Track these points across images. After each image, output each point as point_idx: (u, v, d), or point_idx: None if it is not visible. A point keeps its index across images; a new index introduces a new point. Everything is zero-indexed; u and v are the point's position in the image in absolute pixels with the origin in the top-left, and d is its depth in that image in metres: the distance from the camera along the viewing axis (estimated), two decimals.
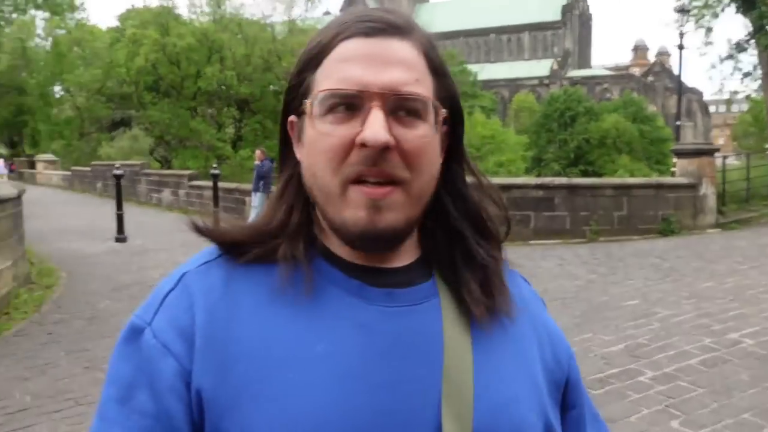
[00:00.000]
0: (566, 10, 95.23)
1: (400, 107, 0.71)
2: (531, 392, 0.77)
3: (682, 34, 23.86)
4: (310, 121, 0.73)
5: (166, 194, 20.60)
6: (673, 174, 13.67)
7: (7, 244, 7.53)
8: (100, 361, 5.36)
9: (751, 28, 20.51)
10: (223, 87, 32.41)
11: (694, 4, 22.61)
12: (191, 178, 19.47)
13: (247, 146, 30.89)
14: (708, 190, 12.47)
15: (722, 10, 22.41)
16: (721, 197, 13.31)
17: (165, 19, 32.35)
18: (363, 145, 0.69)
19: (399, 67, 0.71)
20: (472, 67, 74.74)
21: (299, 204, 0.77)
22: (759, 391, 4.27)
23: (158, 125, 31.30)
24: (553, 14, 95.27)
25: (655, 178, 13.88)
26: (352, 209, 0.71)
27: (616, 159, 50.66)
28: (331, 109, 0.71)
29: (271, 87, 34.52)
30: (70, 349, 5.72)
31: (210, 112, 33.48)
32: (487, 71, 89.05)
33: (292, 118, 0.78)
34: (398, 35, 0.73)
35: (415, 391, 0.70)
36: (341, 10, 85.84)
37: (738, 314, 6.00)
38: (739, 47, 21.92)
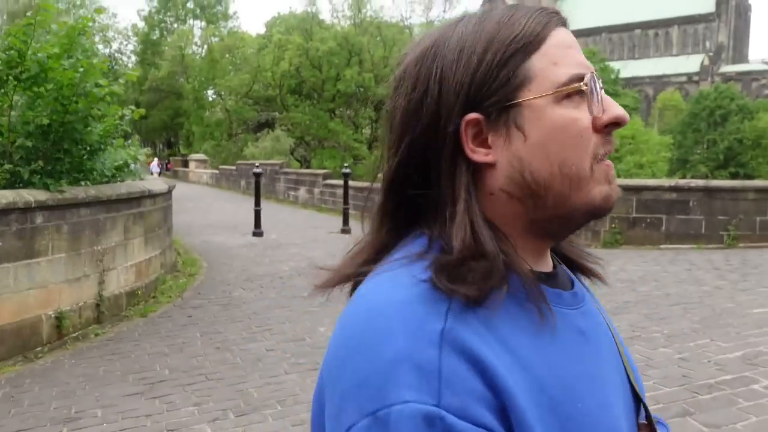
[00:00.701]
0: (721, 1, 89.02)
1: None
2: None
3: None
4: (552, 107, 0.71)
5: (302, 192, 21.61)
6: None
7: (156, 234, 8.38)
8: (230, 342, 5.90)
9: None
10: (361, 89, 33.42)
11: None
12: (326, 177, 20.31)
13: (383, 146, 31.45)
14: None
15: None
16: None
17: (309, 24, 33.86)
18: (611, 124, 0.72)
19: None
20: (614, 65, 71.84)
21: (485, 223, 0.71)
22: None
23: (299, 126, 32.82)
24: (706, 6, 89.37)
25: None
26: (600, 185, 0.73)
27: None
28: (567, 95, 0.71)
29: None
30: (205, 331, 6.32)
31: (348, 113, 34.60)
32: (630, 68, 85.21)
33: (473, 116, 0.71)
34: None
35: (625, 386, 0.80)
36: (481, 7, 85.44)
37: None
38: None
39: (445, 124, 0.71)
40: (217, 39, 47.61)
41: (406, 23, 35.73)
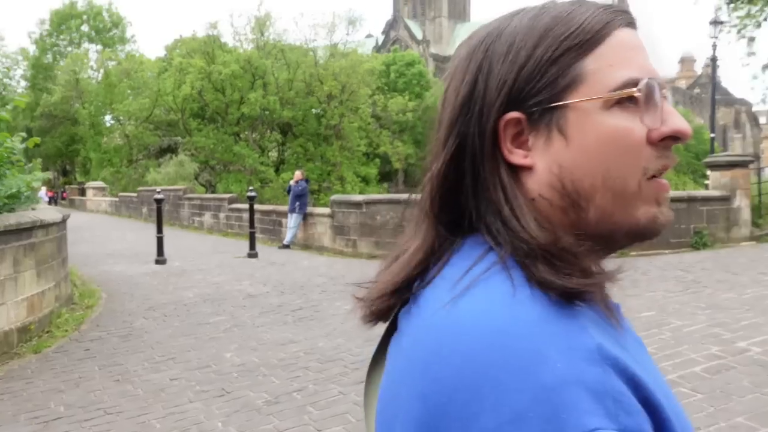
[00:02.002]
0: None
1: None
2: None
3: (715, 46, 23.63)
4: (600, 113, 0.65)
5: (207, 218, 21.17)
6: (706, 187, 13.54)
7: (50, 266, 8.00)
8: (130, 374, 5.69)
9: None
10: (266, 112, 33.23)
11: (736, 14, 22.36)
12: (231, 201, 20.00)
13: (289, 169, 31.46)
14: (742, 203, 12.33)
15: (764, 19, 22.14)
16: (757, 209, 13.12)
17: (210, 47, 33.38)
18: (671, 138, 0.66)
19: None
20: None
21: (543, 220, 0.66)
22: (757, 396, 4.33)
23: (203, 151, 32.22)
24: None
25: (686, 191, 13.71)
26: (650, 205, 0.67)
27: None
28: (620, 101, 0.65)
29: (314, 110, 35.30)
30: (104, 364, 6.07)
31: (253, 136, 34.29)
32: None
33: (513, 114, 0.67)
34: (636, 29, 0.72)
35: None
36: (383, 32, 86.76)
37: (750, 323, 6.01)
38: None
39: (486, 121, 0.68)
40: (114, 63, 46.20)
41: (309, 46, 35.83)
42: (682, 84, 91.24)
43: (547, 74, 0.66)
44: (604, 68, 0.66)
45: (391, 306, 0.72)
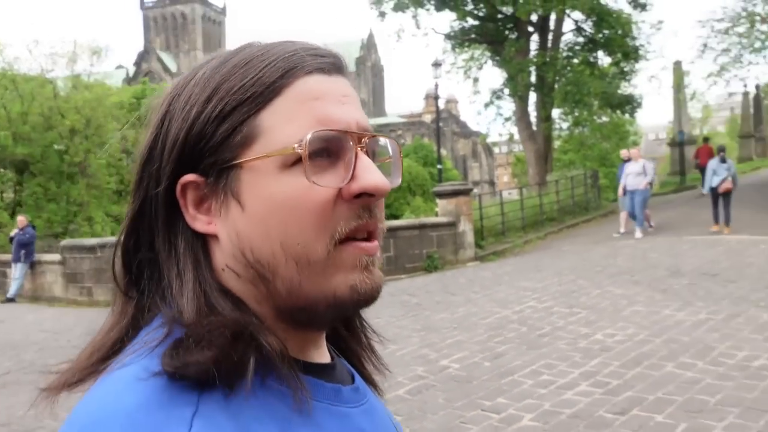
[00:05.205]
0: (359, 62, 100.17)
1: (371, 150, 0.64)
2: None
3: (437, 85, 26.17)
4: (275, 172, 0.59)
5: None
6: (436, 214, 14.71)
7: None
8: None
9: (506, 77, 22.99)
10: None
11: (461, 57, 24.86)
12: None
13: (29, 211, 28.59)
14: (466, 227, 13.57)
15: (485, 61, 24.92)
16: (480, 232, 14.54)
17: None
18: (361, 195, 0.60)
19: (358, 106, 0.64)
20: None
21: (221, 294, 0.61)
22: (448, 412, 4.70)
23: None
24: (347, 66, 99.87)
25: (418, 219, 14.82)
26: (345, 272, 0.60)
27: (411, 201, 53.44)
28: (300, 160, 0.59)
29: (55, 146, 32.47)
30: None
31: None
32: None
33: (189, 177, 0.61)
34: (344, 73, 0.66)
35: None
36: (135, 63, 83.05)
37: (455, 341, 6.56)
38: (497, 95, 24.40)
39: (159, 183, 0.61)
40: None
41: (48, 76, 33.07)
42: (427, 118, 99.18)
43: (217, 132, 0.60)
44: (282, 124, 0.60)
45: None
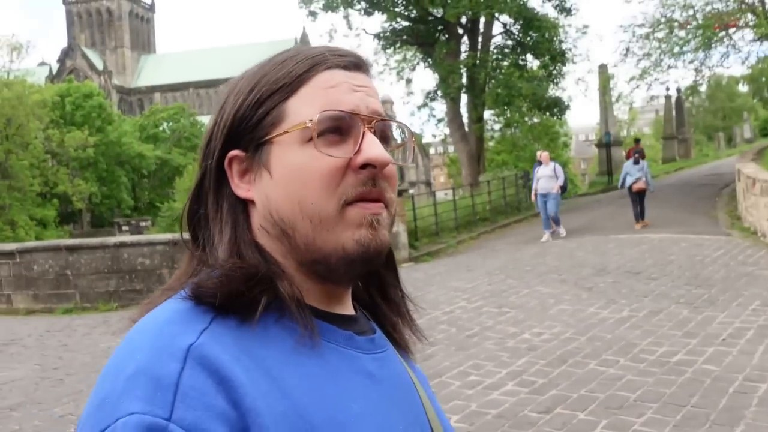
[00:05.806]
0: None
1: (382, 133, 0.75)
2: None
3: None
4: (296, 146, 0.71)
5: None
6: None
7: None
8: None
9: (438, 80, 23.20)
10: None
11: (394, 59, 24.94)
12: None
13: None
14: (399, 228, 13.60)
15: (418, 63, 25.08)
16: (414, 233, 14.62)
17: None
18: (365, 166, 0.71)
19: (373, 95, 0.75)
20: (203, 119, 74.07)
21: (251, 247, 0.73)
22: None
23: None
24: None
25: None
26: (353, 229, 0.71)
27: None
28: (321, 134, 0.71)
29: None
30: None
31: None
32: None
33: (234, 152, 0.74)
34: (367, 72, 0.78)
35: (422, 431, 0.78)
36: (58, 60, 79.92)
37: None
38: (431, 97, 24.60)
39: (213, 157, 0.75)
40: None
41: None
42: None
43: (255, 115, 0.73)
44: (301, 107, 0.72)
45: None
